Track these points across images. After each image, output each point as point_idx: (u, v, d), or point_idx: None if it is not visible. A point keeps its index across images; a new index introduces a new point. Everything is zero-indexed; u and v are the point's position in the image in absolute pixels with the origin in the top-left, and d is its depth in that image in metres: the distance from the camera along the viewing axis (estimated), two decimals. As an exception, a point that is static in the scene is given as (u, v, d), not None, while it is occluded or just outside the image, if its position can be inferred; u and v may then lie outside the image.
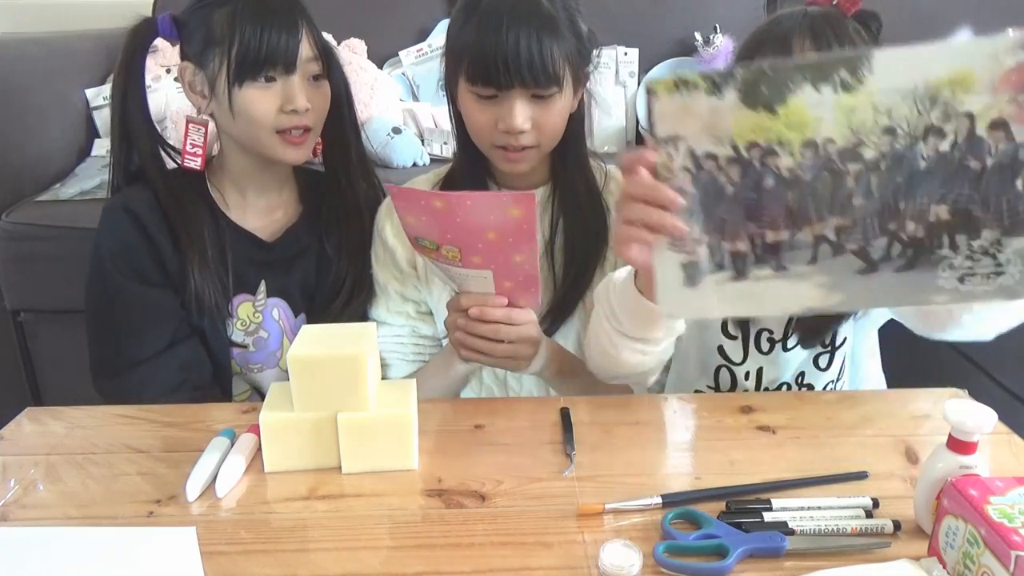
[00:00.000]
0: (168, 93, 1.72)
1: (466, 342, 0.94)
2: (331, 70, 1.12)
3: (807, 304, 0.68)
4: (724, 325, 1.05)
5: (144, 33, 1.08)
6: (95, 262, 1.08)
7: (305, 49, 1.03)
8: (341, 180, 1.17)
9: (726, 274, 0.69)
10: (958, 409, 0.65)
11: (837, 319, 1.00)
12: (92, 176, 1.68)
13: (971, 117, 0.62)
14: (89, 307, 1.10)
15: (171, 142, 1.16)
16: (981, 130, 0.62)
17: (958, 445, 0.65)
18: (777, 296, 0.69)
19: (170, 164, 1.14)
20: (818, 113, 0.64)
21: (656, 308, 0.77)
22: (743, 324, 1.04)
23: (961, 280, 0.65)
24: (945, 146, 0.63)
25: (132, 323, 1.07)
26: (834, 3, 0.95)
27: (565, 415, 0.86)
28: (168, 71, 1.78)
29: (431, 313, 1.13)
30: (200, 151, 1.09)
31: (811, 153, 0.65)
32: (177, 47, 1.09)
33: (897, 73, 0.62)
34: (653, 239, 0.70)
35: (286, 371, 1.13)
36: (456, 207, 0.82)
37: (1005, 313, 0.84)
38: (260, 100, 1.02)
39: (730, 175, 0.67)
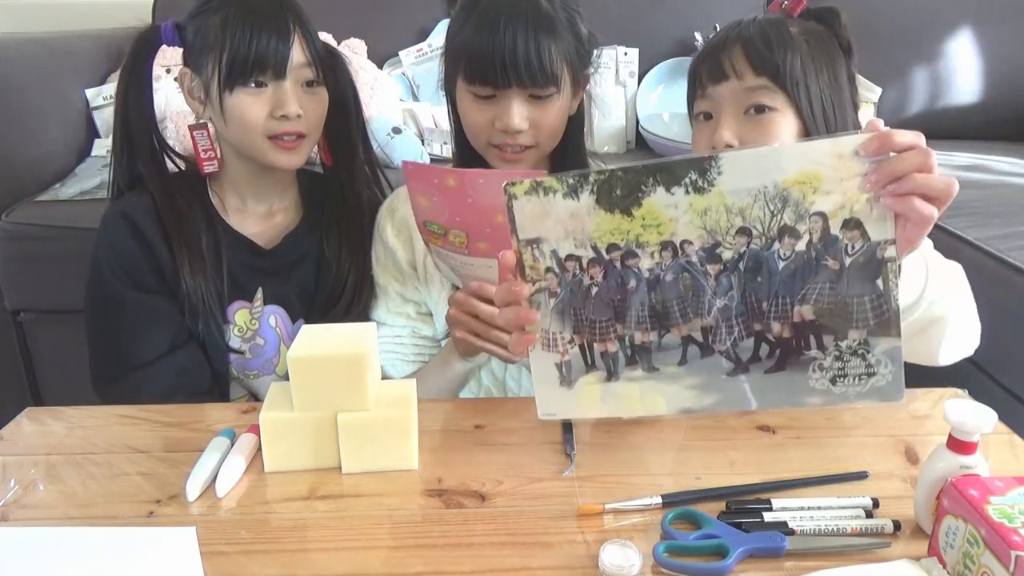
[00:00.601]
0: (168, 93, 1.72)
1: (459, 319, 0.93)
2: (337, 75, 1.12)
3: (682, 405, 0.69)
4: None
5: (148, 41, 1.09)
6: (93, 269, 1.08)
7: (297, 55, 1.03)
8: (344, 184, 1.17)
9: (599, 374, 0.70)
10: (958, 409, 0.65)
11: None
12: (92, 176, 1.68)
13: (824, 217, 0.63)
14: (88, 313, 1.10)
15: (171, 142, 1.16)
16: (836, 229, 0.63)
17: (958, 445, 0.65)
18: (651, 397, 0.70)
19: (171, 168, 1.14)
20: (672, 214, 0.65)
21: None
22: None
23: (833, 382, 0.66)
24: (801, 246, 0.64)
25: (130, 329, 1.07)
26: (783, 6, 0.94)
27: (565, 415, 0.86)
28: (168, 71, 1.78)
29: (431, 314, 1.13)
30: (213, 153, 1.10)
31: (669, 254, 0.66)
32: (179, 50, 1.09)
33: (745, 174, 0.63)
34: (530, 339, 0.71)
35: (282, 377, 1.14)
36: (468, 185, 0.83)
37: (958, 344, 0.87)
38: (251, 105, 1.02)
39: (593, 276, 0.68)
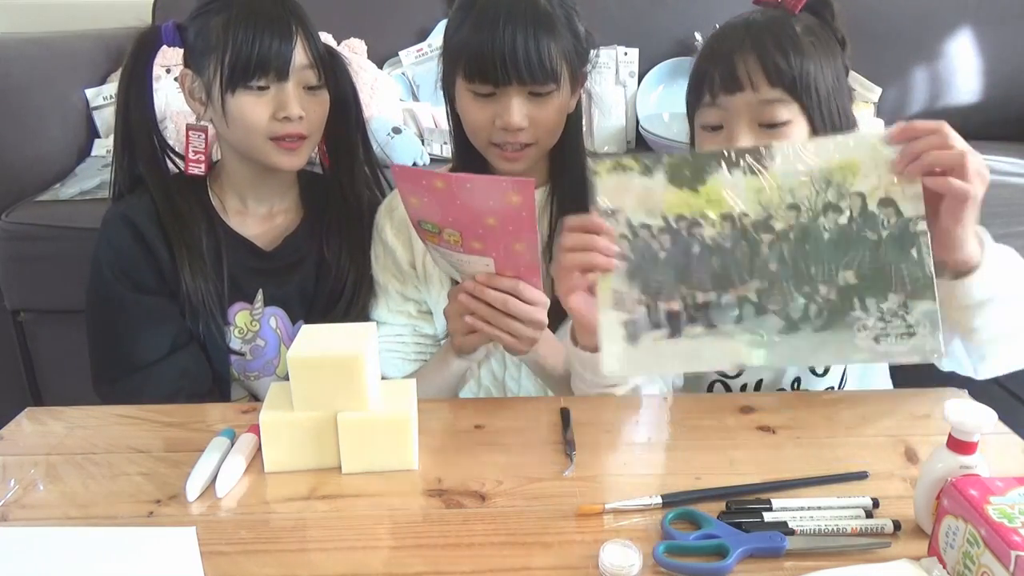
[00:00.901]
0: (168, 93, 1.72)
1: (470, 305, 0.92)
2: (337, 75, 1.11)
3: (737, 360, 0.77)
4: None
5: (149, 41, 1.09)
6: (94, 270, 1.08)
7: (300, 57, 1.02)
8: (344, 186, 1.17)
9: (663, 332, 0.78)
10: (958, 409, 0.65)
11: None
12: (92, 176, 1.68)
13: (862, 196, 0.74)
14: (89, 314, 1.10)
15: (171, 142, 1.16)
16: (873, 206, 0.74)
17: (958, 445, 0.65)
18: (710, 352, 0.77)
19: (172, 169, 1.14)
20: (733, 192, 0.76)
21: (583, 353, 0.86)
22: None
23: (876, 340, 0.74)
24: (843, 220, 0.75)
25: (131, 330, 1.07)
26: (780, 1, 0.93)
27: (565, 415, 0.86)
28: (168, 71, 1.78)
29: (431, 312, 1.13)
30: (203, 157, 1.10)
31: (729, 224, 0.76)
32: (179, 50, 1.09)
33: (794, 161, 0.75)
34: (589, 280, 0.79)
35: (283, 378, 1.14)
36: (456, 188, 0.83)
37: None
38: (253, 107, 1.02)
39: (662, 243, 0.77)
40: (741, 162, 0.75)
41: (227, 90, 1.01)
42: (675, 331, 0.77)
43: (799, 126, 0.91)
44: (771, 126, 0.90)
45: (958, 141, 0.73)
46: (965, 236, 0.77)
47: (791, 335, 0.75)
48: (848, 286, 0.75)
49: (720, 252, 0.76)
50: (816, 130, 0.91)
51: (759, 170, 0.75)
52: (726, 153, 0.76)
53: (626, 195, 0.77)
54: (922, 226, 0.74)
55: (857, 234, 0.74)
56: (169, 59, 1.78)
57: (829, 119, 0.91)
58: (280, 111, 1.02)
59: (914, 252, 0.74)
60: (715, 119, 0.93)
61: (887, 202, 0.74)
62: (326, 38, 1.82)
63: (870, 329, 0.74)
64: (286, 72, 1.02)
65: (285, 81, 1.02)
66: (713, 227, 0.76)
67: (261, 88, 1.02)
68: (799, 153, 0.75)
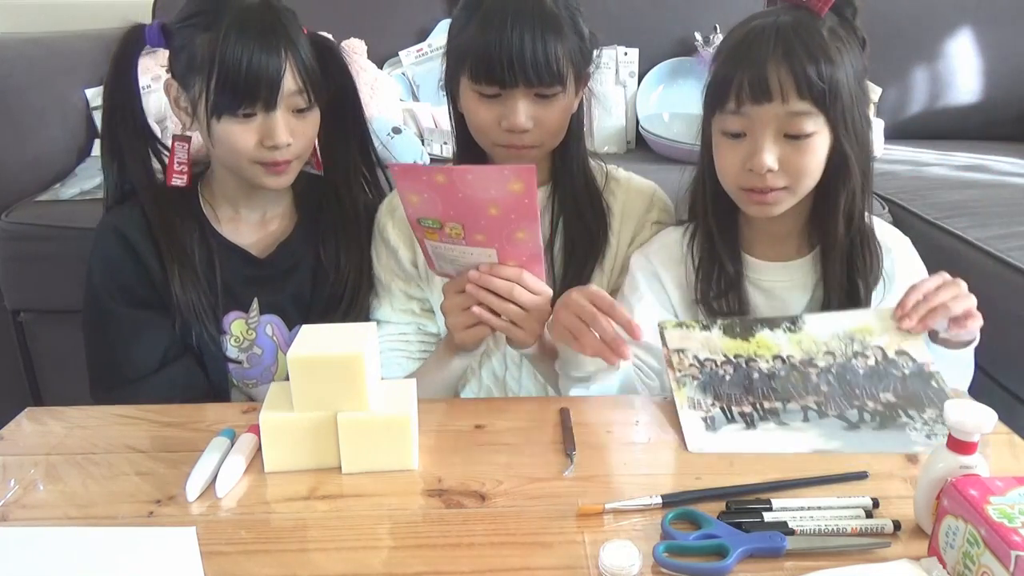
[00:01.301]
0: (168, 93, 1.72)
1: (477, 295, 0.91)
2: (334, 72, 1.09)
3: (814, 446, 0.82)
4: None
5: (132, 42, 1.06)
6: (88, 281, 1.07)
7: (289, 84, 0.99)
8: (339, 187, 1.15)
9: (739, 426, 0.85)
10: (958, 409, 0.65)
11: None
12: (92, 176, 1.67)
13: (881, 348, 0.90)
14: (85, 324, 1.10)
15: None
16: (891, 355, 0.90)
17: (958, 445, 0.65)
18: (784, 441, 0.82)
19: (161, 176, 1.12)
20: (777, 342, 0.92)
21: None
22: None
23: (928, 436, 0.82)
24: (871, 362, 0.89)
25: (123, 343, 1.06)
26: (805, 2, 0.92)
27: (565, 415, 0.86)
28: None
29: (434, 311, 1.13)
30: (186, 168, 1.08)
31: (779, 362, 0.90)
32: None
33: (822, 326, 0.93)
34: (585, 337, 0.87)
35: (281, 384, 1.13)
36: (458, 181, 0.83)
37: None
38: (239, 134, 1.00)
39: (726, 371, 0.90)
40: (781, 325, 0.93)
41: (213, 115, 0.98)
42: (750, 426, 0.84)
43: (822, 136, 0.91)
44: (795, 137, 0.90)
45: (938, 296, 0.88)
46: (975, 326, 0.90)
47: (854, 432, 0.83)
48: (890, 403, 0.86)
49: (776, 378, 0.89)
50: (838, 139, 0.91)
51: (795, 330, 0.92)
52: (768, 319, 0.94)
53: (689, 341, 0.92)
54: (934, 367, 0.88)
55: (885, 371, 0.88)
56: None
57: (852, 127, 0.91)
58: (267, 139, 1.00)
59: (934, 383, 0.87)
60: (738, 127, 0.92)
61: (901, 353, 0.90)
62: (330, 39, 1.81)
63: (920, 430, 0.83)
64: (274, 102, 0.99)
65: (273, 110, 1.00)
66: (767, 363, 0.90)
67: (247, 115, 0.99)
68: (826, 321, 0.93)
